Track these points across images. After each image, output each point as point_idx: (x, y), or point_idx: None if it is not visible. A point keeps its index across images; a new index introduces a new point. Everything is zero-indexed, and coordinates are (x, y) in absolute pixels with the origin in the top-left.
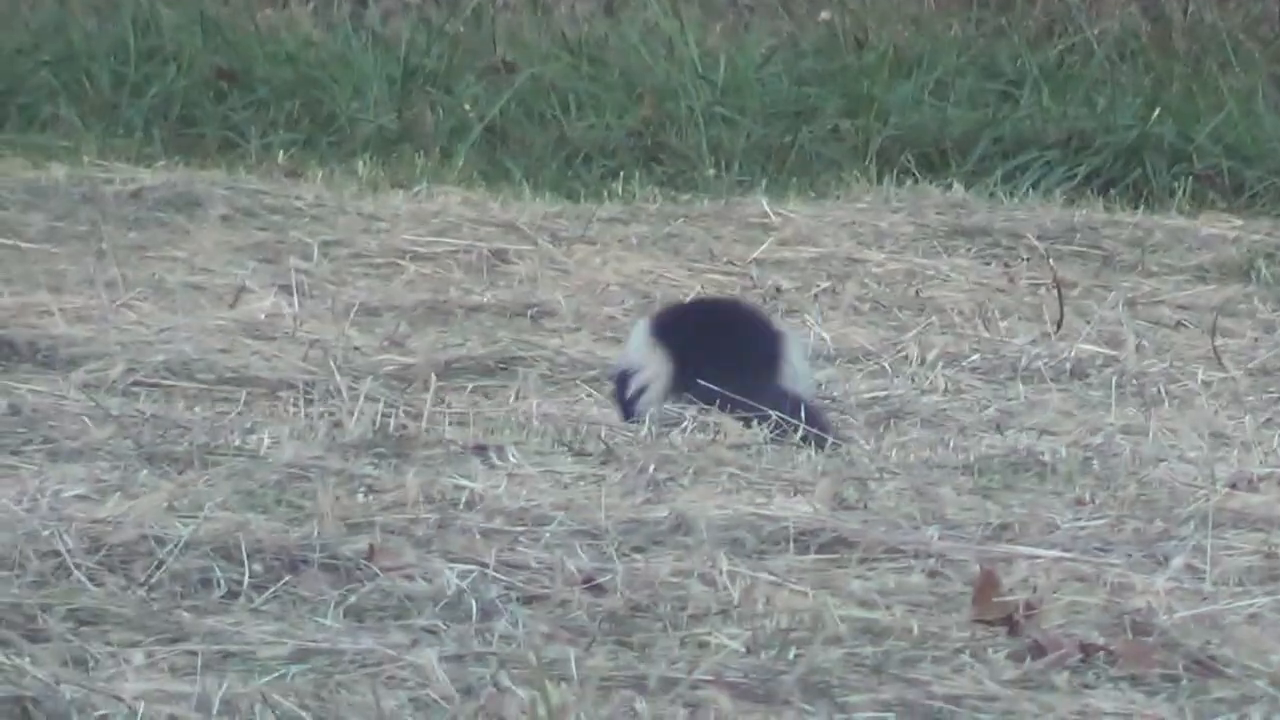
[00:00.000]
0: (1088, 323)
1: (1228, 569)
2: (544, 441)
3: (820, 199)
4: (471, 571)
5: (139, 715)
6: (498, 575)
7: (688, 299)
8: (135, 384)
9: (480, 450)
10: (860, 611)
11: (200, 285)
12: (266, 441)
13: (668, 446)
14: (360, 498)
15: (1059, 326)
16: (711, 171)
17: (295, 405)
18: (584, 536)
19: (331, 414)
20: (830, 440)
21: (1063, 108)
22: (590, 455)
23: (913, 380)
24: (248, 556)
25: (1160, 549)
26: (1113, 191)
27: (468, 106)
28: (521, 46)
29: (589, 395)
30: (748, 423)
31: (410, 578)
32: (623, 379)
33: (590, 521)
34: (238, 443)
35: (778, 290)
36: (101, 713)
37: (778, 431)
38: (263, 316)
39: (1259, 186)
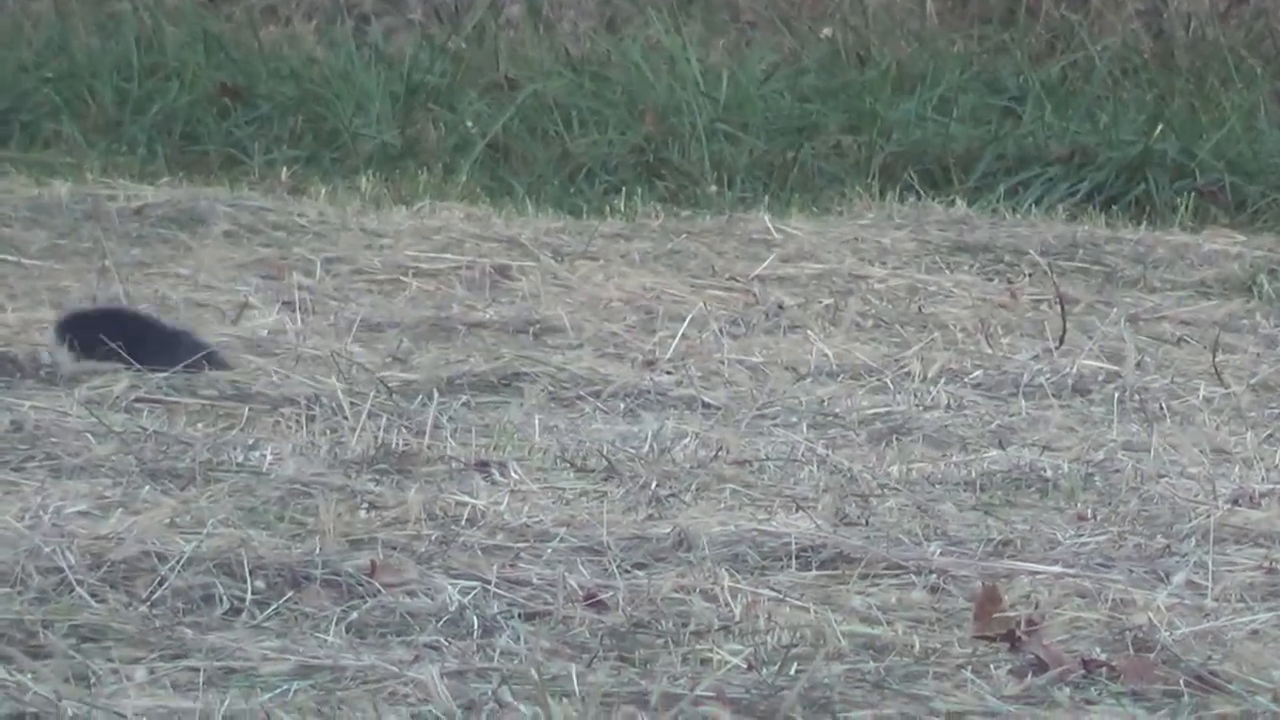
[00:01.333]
0: (1090, 339)
1: (1229, 585)
2: (546, 458)
3: (822, 215)
4: (473, 588)
5: None
6: (499, 591)
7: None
8: (138, 400)
9: (482, 467)
10: (862, 627)
11: (203, 302)
12: (269, 458)
13: (669, 463)
14: (362, 514)
15: (1061, 342)
16: (714, 188)
17: (297, 421)
18: (586, 553)
19: (334, 430)
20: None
21: (1065, 124)
22: (593, 471)
23: (915, 396)
24: (250, 573)
25: (1162, 565)
26: (1115, 207)
27: (470, 123)
28: (524, 63)
29: (592, 411)
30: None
31: (412, 594)
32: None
33: (592, 538)
34: (240, 459)
35: (780, 307)
36: None
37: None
38: (265, 333)
39: (1261, 202)
